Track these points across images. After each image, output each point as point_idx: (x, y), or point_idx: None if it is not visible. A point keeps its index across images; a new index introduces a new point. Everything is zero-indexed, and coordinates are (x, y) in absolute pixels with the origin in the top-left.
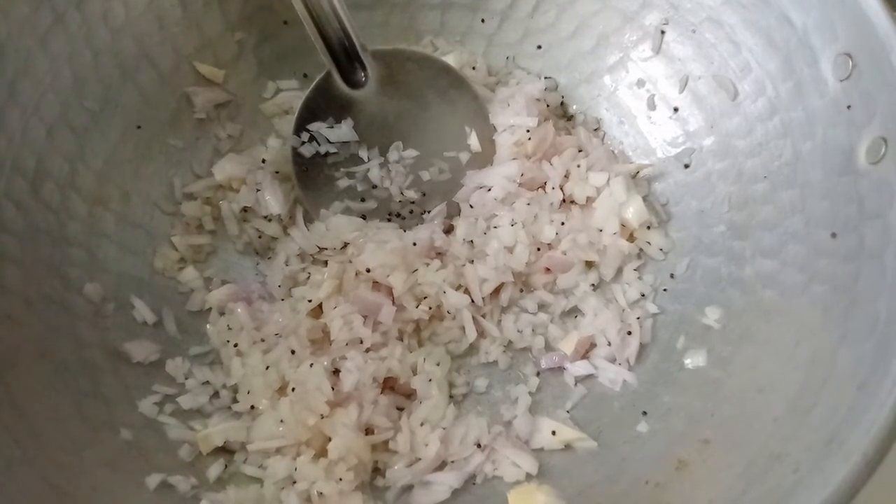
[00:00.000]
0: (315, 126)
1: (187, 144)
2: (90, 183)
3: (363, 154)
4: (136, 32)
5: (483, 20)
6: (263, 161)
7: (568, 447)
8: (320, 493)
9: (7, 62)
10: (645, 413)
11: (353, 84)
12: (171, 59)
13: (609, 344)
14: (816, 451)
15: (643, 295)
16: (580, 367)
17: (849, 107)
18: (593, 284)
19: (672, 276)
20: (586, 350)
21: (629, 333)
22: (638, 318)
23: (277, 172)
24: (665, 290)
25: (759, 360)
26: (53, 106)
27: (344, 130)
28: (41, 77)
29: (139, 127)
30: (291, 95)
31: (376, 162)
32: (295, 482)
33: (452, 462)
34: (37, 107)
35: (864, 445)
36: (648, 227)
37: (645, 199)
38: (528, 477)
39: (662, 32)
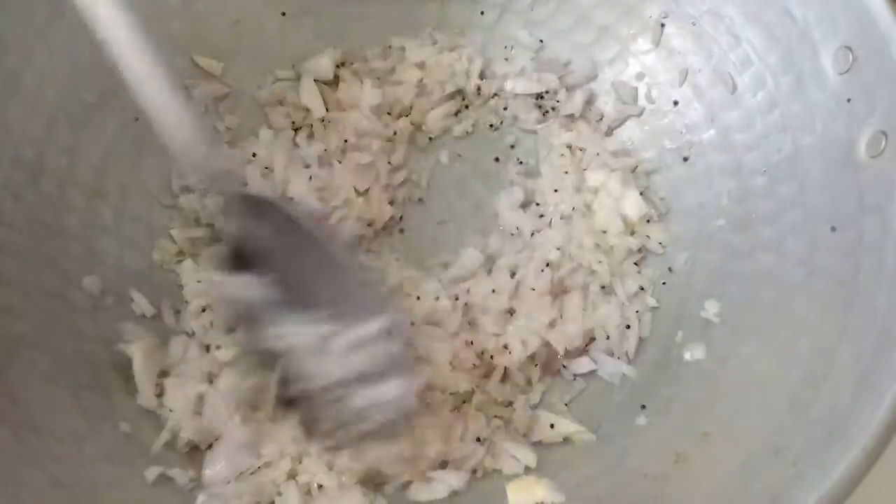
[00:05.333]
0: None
1: None
2: (88, 176)
3: None
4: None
5: (482, 12)
6: (254, 155)
7: (567, 440)
8: (320, 486)
9: (6, 54)
10: (644, 407)
11: None
12: (169, 51)
13: (608, 338)
14: (816, 445)
15: (642, 288)
16: (580, 364)
17: (849, 100)
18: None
19: (671, 269)
20: (585, 344)
21: (628, 327)
22: (637, 312)
23: (266, 168)
24: (664, 283)
25: (759, 354)
26: (52, 98)
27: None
28: (40, 68)
29: (137, 119)
30: (286, 85)
31: None
32: (296, 475)
33: (454, 460)
34: (35, 99)
35: (863, 439)
36: (648, 221)
37: (643, 192)
38: (527, 470)
39: (662, 25)
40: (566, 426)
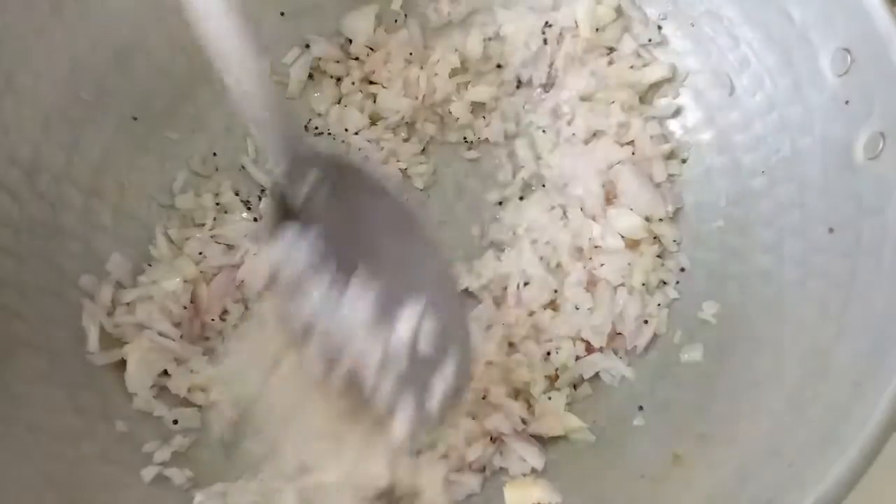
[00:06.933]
0: None
1: (183, 136)
2: (86, 174)
3: None
4: (134, 22)
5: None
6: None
7: (565, 439)
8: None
9: (4, 51)
10: (641, 408)
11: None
12: (167, 50)
13: (618, 333)
14: (812, 446)
15: (664, 282)
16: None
17: (847, 102)
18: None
19: (683, 269)
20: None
21: (646, 322)
22: (658, 306)
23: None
24: (665, 283)
25: (756, 355)
26: (50, 96)
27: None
28: (37, 67)
29: (135, 118)
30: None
31: None
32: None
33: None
34: (33, 97)
35: (860, 440)
36: (661, 220)
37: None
38: (534, 472)
39: (659, 27)
40: (570, 420)
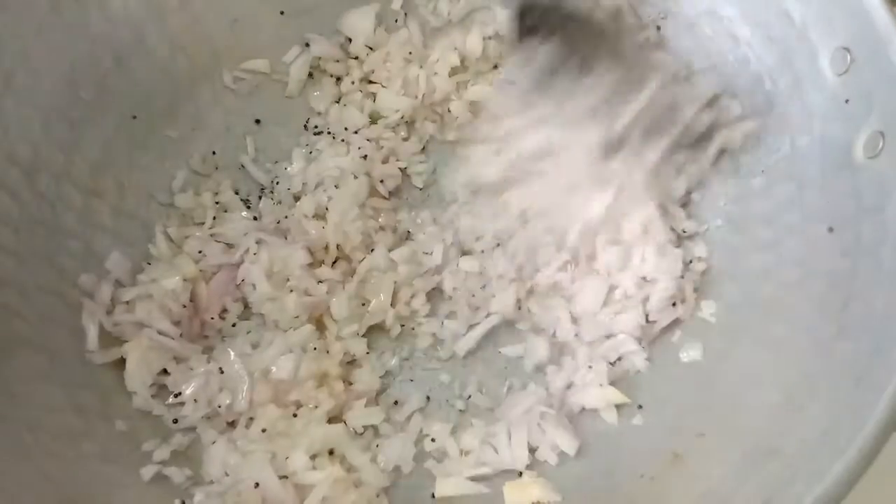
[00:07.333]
0: None
1: (182, 135)
2: (85, 173)
3: None
4: (133, 21)
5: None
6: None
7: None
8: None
9: (4, 51)
10: (640, 407)
11: None
12: (167, 49)
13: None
14: (812, 446)
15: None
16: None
17: (847, 101)
18: None
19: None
20: None
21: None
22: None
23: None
24: (682, 276)
25: (755, 355)
26: (49, 95)
27: None
28: (37, 66)
29: (134, 117)
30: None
31: None
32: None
33: None
34: (32, 96)
35: (860, 440)
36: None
37: None
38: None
39: (658, 28)
40: (611, 393)
